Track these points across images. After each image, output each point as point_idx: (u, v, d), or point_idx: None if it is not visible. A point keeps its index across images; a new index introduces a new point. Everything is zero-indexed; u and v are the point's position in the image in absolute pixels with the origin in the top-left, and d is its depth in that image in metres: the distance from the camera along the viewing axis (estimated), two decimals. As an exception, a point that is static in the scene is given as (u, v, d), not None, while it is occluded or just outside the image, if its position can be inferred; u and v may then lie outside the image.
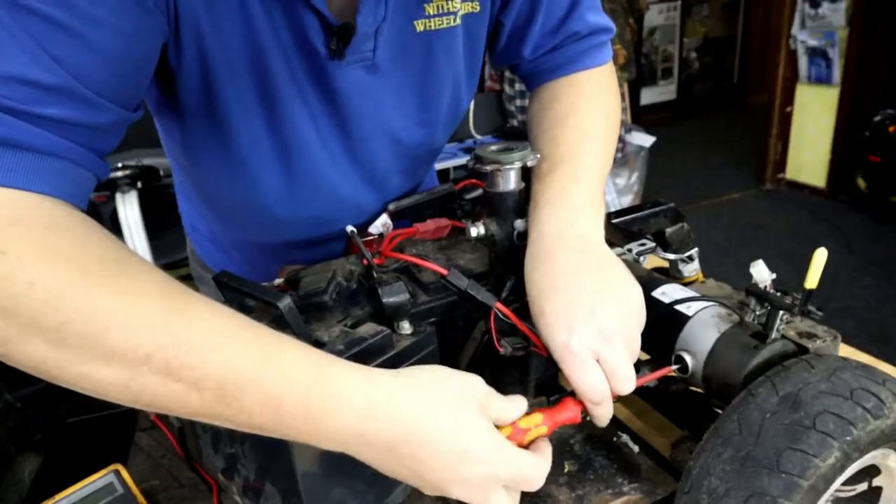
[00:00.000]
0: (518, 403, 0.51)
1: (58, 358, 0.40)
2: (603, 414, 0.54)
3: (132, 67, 0.51)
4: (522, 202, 0.67)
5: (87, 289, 0.40)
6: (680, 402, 0.66)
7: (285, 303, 0.51)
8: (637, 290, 0.58)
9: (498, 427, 0.49)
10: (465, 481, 0.46)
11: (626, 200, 3.60)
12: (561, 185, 0.64)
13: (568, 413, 0.54)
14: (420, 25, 0.66)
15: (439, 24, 0.68)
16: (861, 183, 3.85)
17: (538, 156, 0.67)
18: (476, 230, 0.66)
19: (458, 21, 0.69)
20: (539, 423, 0.52)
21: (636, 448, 0.66)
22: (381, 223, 0.73)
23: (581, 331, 0.53)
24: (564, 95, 0.75)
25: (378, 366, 0.52)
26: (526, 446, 0.51)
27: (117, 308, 0.40)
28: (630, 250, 0.71)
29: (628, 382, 0.53)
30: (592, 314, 0.54)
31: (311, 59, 0.62)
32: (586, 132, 0.69)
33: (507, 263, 0.65)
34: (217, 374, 0.41)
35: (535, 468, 0.48)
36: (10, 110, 0.42)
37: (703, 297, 0.61)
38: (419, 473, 0.46)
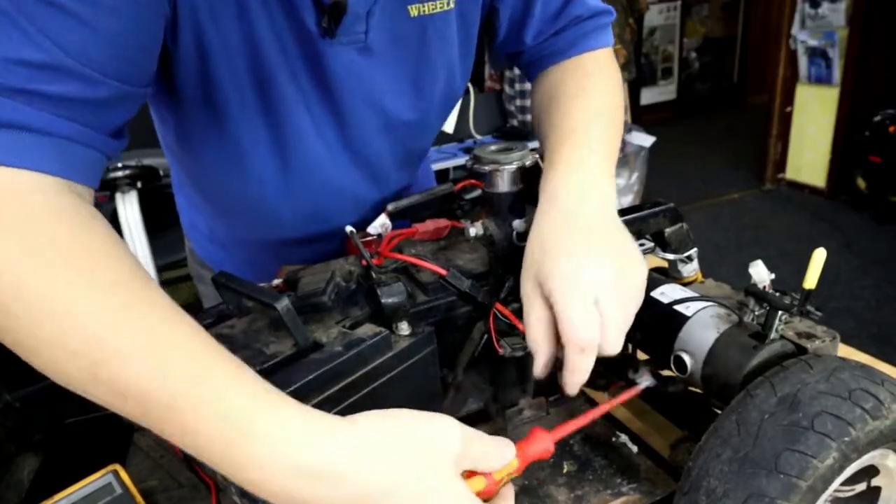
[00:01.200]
0: (505, 452, 0.46)
1: (4, 335, 0.40)
2: (580, 370, 0.53)
3: (134, 45, 0.50)
4: (521, 203, 0.67)
5: (31, 276, 0.40)
6: (679, 402, 0.66)
7: (283, 304, 0.51)
8: (642, 269, 0.57)
9: (472, 474, 0.44)
10: None
11: (626, 200, 3.60)
12: (578, 153, 0.63)
13: (539, 445, 0.50)
14: (414, 10, 0.66)
15: (433, 9, 0.68)
16: (861, 183, 3.85)
17: (537, 156, 0.67)
18: (475, 230, 0.66)
19: (452, 5, 0.69)
20: (512, 467, 0.47)
21: (635, 448, 0.66)
22: (380, 224, 0.73)
23: (588, 278, 0.52)
24: (570, 77, 0.75)
25: (377, 366, 0.53)
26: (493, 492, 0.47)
27: (57, 301, 0.39)
28: (629, 250, 0.71)
29: (615, 344, 0.53)
30: (599, 273, 0.53)
31: (303, 38, 0.62)
32: (597, 111, 0.69)
33: (506, 264, 0.65)
34: (136, 391, 0.39)
35: None
36: (6, 90, 0.43)
37: (702, 298, 0.61)
38: None
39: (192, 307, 0.62)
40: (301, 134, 0.69)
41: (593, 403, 0.73)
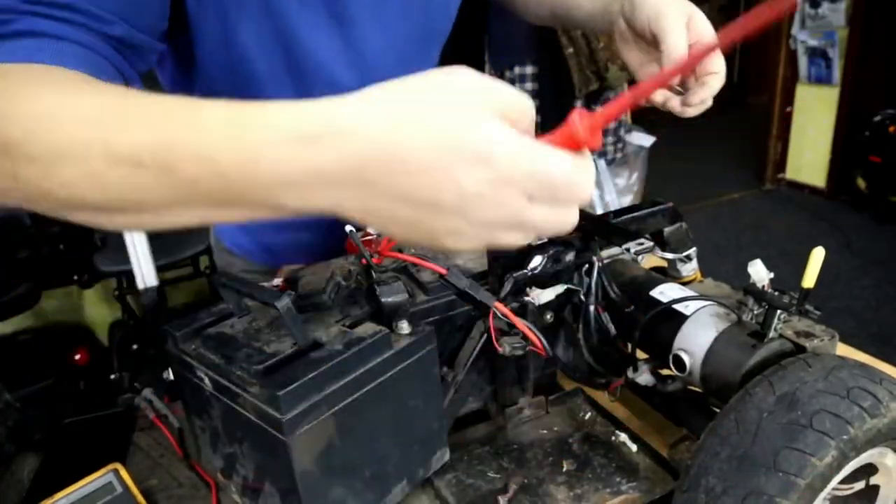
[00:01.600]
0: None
1: (23, 172, 0.40)
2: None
3: None
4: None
5: (33, 99, 0.41)
6: (678, 401, 0.66)
7: (284, 303, 0.51)
8: None
9: None
10: (471, 192, 0.35)
11: (626, 200, 3.60)
12: None
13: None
14: None
15: None
16: (861, 183, 3.85)
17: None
18: (474, 230, 0.66)
19: None
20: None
21: (634, 447, 0.66)
22: (380, 223, 0.73)
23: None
24: None
25: (377, 365, 0.53)
26: None
27: (58, 111, 0.41)
28: (628, 249, 0.71)
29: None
30: None
31: None
32: None
33: (505, 263, 0.65)
34: (150, 144, 0.38)
35: (571, 165, 0.36)
36: (25, 11, 0.46)
37: (701, 297, 0.61)
38: (408, 202, 0.36)
39: (195, 306, 0.62)
40: (319, 65, 0.71)
41: (593, 402, 0.73)
